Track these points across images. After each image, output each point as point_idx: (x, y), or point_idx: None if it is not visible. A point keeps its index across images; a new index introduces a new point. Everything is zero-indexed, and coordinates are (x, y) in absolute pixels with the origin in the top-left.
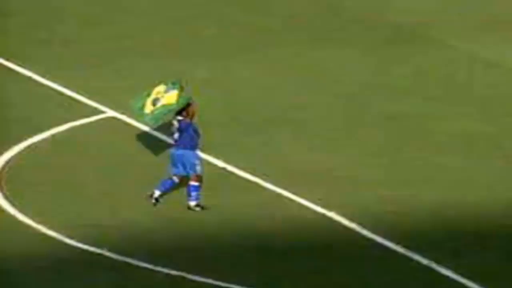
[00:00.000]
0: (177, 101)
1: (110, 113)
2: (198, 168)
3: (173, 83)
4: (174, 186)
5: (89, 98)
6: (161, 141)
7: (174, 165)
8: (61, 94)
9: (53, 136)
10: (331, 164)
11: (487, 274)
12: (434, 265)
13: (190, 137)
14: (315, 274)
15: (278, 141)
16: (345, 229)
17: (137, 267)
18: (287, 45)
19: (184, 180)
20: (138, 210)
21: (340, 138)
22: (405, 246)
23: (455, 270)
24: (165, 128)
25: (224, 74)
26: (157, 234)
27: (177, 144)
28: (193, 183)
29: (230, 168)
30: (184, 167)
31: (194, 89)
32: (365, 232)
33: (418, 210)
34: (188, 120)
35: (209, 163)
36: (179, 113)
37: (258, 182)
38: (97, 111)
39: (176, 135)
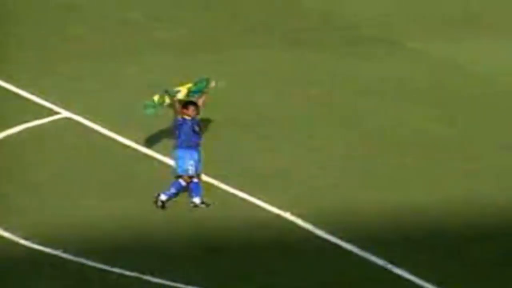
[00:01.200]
0: (186, 94)
1: (65, 113)
2: (191, 169)
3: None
4: (199, 184)
5: (44, 99)
6: (116, 141)
7: (176, 164)
8: (15, 95)
9: (7, 137)
10: (287, 165)
11: (442, 274)
12: (389, 266)
13: (185, 136)
14: (271, 274)
15: (234, 141)
16: (300, 230)
17: (93, 268)
18: (247, 47)
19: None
20: (93, 211)
21: (298, 139)
22: (361, 247)
23: (411, 271)
24: (122, 128)
25: (183, 75)
26: (112, 235)
27: (176, 143)
28: (181, 181)
29: None
30: (178, 167)
31: (152, 92)
32: (320, 232)
33: (374, 210)
34: (179, 118)
35: (165, 164)
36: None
37: (213, 183)
38: (52, 112)
39: (175, 133)
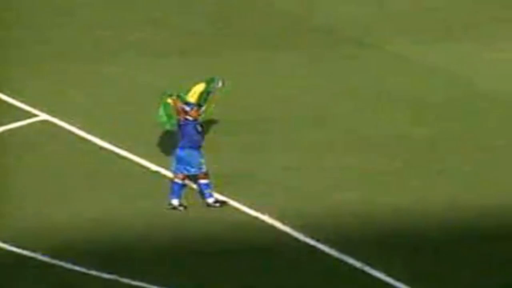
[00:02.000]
0: (198, 98)
1: (43, 116)
2: (203, 166)
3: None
4: (183, 187)
5: (22, 101)
6: (94, 144)
7: (178, 164)
8: None
9: None
10: (265, 167)
11: (419, 276)
12: (366, 268)
13: (188, 137)
14: (249, 277)
15: (210, 144)
16: (278, 232)
17: (70, 270)
18: (219, 49)
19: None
20: (71, 213)
21: (273, 141)
22: (338, 249)
23: (388, 273)
24: (100, 130)
25: (159, 80)
26: (90, 237)
27: (182, 143)
28: (202, 181)
29: (163, 171)
30: (189, 167)
31: (130, 93)
32: (298, 235)
33: (351, 213)
34: (181, 118)
35: (142, 166)
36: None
37: (191, 185)
38: (30, 114)
39: (180, 134)
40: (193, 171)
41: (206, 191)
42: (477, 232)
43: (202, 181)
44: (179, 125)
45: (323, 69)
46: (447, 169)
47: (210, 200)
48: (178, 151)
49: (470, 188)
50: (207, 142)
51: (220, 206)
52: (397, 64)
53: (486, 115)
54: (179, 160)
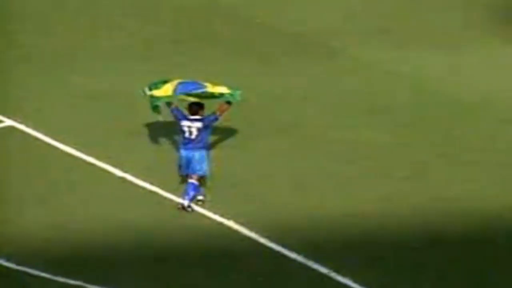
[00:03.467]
0: (232, 94)
1: (8, 122)
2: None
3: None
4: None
5: None
6: (60, 150)
7: (196, 165)
8: None
9: None
10: (228, 173)
11: (385, 283)
12: (333, 274)
13: (207, 138)
14: (213, 282)
15: (174, 149)
16: (244, 238)
17: (35, 276)
18: (183, 55)
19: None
20: (36, 219)
21: (237, 146)
22: (305, 255)
23: (354, 279)
24: (67, 137)
25: (124, 86)
26: (55, 243)
27: (195, 144)
28: (195, 182)
29: (128, 177)
30: (198, 167)
31: (94, 100)
32: (263, 240)
33: (317, 219)
34: (212, 117)
35: (108, 172)
36: (195, 112)
37: (156, 191)
38: None
39: (194, 135)
40: (204, 171)
41: (192, 193)
42: (443, 238)
43: (195, 182)
44: (205, 126)
45: (286, 75)
46: (411, 175)
47: (187, 203)
48: (190, 153)
49: (434, 194)
50: (174, 147)
51: (191, 211)
52: (359, 70)
53: (449, 120)
54: (191, 161)
